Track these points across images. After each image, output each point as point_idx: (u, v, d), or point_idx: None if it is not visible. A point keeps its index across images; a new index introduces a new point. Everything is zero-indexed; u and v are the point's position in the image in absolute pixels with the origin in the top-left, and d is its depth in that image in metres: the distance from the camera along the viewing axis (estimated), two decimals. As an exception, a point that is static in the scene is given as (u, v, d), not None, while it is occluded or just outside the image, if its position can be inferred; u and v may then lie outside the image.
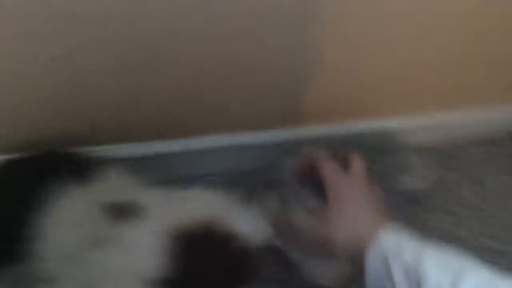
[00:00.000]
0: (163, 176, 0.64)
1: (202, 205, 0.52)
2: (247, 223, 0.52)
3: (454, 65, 0.87)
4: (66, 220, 0.51)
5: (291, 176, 0.65)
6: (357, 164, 0.60)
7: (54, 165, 0.58)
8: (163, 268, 0.46)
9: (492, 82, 0.94)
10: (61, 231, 0.51)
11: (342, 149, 0.64)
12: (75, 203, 0.52)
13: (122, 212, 0.50)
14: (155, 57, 0.65)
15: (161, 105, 0.73)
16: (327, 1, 0.67)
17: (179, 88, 0.71)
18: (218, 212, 0.50)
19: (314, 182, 0.60)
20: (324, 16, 0.68)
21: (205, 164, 0.83)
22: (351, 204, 0.56)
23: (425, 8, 0.74)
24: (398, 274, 0.48)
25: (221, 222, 0.49)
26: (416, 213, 0.84)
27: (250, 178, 0.77)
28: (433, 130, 0.98)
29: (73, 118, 0.69)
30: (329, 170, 0.58)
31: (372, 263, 0.51)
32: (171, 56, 0.66)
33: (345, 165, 0.60)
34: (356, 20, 0.71)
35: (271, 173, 0.69)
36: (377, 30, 0.74)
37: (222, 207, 0.52)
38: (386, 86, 0.85)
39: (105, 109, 0.70)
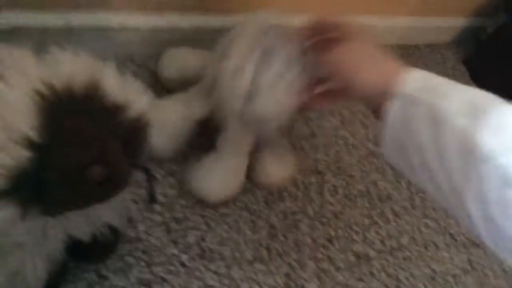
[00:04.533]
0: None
1: (82, 67, 0.45)
2: (134, 94, 0.47)
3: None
4: None
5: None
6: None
7: None
8: (38, 130, 0.40)
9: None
10: None
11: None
12: None
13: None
14: None
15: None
16: None
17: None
18: (101, 78, 0.45)
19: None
20: None
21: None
22: (367, 55, 0.53)
23: None
24: (419, 119, 0.46)
25: (105, 89, 0.44)
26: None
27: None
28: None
29: None
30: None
31: (393, 111, 0.48)
32: None
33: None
34: None
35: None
36: None
37: (104, 73, 0.46)
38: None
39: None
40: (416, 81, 0.48)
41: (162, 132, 0.70)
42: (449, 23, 1.31)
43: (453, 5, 1.25)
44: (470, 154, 0.42)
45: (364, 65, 0.53)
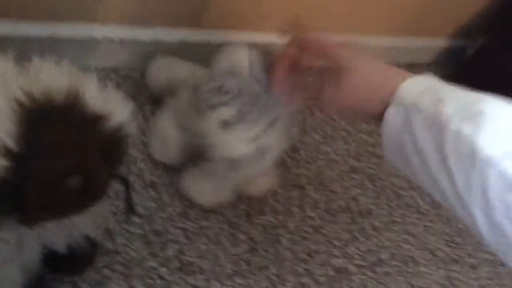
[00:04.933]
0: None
1: (62, 77, 0.45)
2: (115, 105, 0.47)
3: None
4: None
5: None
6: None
7: None
8: (16, 139, 0.40)
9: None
10: None
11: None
12: None
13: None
14: None
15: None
16: None
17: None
18: (82, 88, 0.45)
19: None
20: None
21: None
22: (366, 64, 0.53)
23: None
24: (418, 126, 0.46)
25: (86, 99, 0.45)
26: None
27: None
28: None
29: None
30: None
31: (392, 117, 0.49)
32: None
33: None
34: None
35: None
36: None
37: (86, 83, 0.46)
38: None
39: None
40: (415, 86, 0.48)
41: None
42: (429, 44, 1.33)
43: (434, 25, 1.28)
44: (471, 160, 0.42)
45: (365, 93, 0.52)
